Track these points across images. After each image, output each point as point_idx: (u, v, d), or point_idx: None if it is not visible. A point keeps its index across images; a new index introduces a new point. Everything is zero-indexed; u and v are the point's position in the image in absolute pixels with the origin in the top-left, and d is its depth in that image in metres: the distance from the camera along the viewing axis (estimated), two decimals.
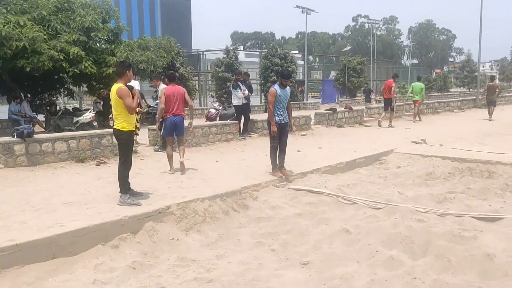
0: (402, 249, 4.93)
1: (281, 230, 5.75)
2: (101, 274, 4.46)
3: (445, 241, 4.85)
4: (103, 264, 4.64)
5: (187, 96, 8.12)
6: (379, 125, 16.02)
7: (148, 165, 8.66)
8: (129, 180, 6.13)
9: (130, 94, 5.81)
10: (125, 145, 5.98)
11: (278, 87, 7.42)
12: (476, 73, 43.88)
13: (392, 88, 16.28)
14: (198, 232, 5.71)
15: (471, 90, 49.74)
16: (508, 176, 7.86)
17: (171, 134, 8.01)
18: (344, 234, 5.45)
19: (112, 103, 5.87)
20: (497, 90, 20.17)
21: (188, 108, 8.33)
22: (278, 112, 7.48)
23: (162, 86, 9.75)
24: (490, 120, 18.40)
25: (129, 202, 5.76)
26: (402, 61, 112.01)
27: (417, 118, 18.08)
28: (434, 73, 69.10)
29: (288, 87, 7.60)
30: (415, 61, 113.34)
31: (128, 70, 5.95)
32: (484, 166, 8.71)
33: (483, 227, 5.11)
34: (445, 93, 44.89)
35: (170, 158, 7.98)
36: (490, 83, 20.65)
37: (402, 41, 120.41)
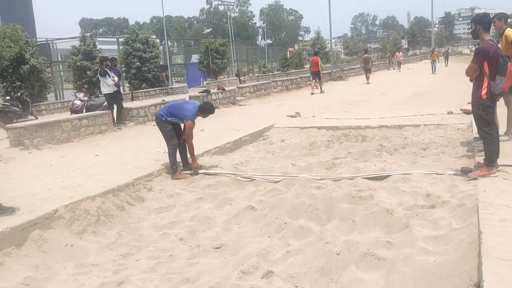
0: (308, 217, 5.06)
1: (185, 217, 5.49)
2: None
3: (346, 204, 5.10)
4: None
5: None
6: (312, 92, 19.39)
7: (16, 168, 7.58)
8: None
9: None
10: None
11: (194, 117, 6.74)
12: (326, 49, 47.58)
13: (319, 62, 20.34)
14: (94, 234, 5.16)
15: (323, 65, 53.72)
16: (380, 138, 8.64)
17: None
18: (250, 211, 5.42)
19: None
20: (370, 60, 26.63)
21: None
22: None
23: None
24: (368, 84, 23.63)
25: None
26: (258, 42, 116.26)
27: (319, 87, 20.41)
28: (288, 51, 73.04)
29: None
30: (269, 41, 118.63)
31: None
32: (356, 131, 9.45)
33: (375, 186, 5.49)
34: (301, 69, 47.84)
35: None
36: (365, 55, 26.64)
37: (255, 23, 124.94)
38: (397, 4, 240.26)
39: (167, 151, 6.93)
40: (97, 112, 11.49)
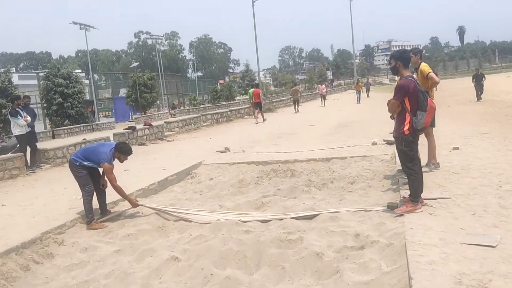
0: (236, 265, 4.72)
1: (100, 274, 4.92)
2: None
3: (275, 248, 4.84)
4: None
5: None
6: (256, 122, 20.77)
7: None
8: None
9: None
10: None
11: (112, 159, 6.28)
12: (256, 81, 48.35)
13: (260, 94, 22.43)
14: None
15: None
16: (308, 172, 8.57)
17: None
18: (173, 262, 4.98)
19: None
20: (299, 92, 30.15)
21: None
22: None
23: None
24: (297, 113, 25.97)
25: None
26: (188, 75, 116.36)
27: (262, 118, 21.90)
28: (219, 84, 73.53)
29: None
30: (199, 73, 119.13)
31: None
32: (285, 166, 9.34)
33: (304, 227, 5.29)
34: (232, 102, 48.18)
35: None
36: (294, 87, 30.10)
37: (185, 55, 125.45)
38: (321, 37, 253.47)
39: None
40: (8, 155, 10.48)
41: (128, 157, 6.56)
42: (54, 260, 5.35)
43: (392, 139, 6.78)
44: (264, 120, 21.47)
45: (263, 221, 5.72)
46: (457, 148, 8.64)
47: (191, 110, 36.16)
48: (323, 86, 36.12)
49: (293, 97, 28.39)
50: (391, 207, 5.32)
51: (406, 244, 4.09)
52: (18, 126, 10.68)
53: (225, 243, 5.10)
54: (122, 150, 6.32)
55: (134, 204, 6.54)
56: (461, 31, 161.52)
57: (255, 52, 32.33)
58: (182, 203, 7.12)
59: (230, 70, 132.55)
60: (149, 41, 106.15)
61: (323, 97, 33.14)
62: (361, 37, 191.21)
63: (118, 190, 6.34)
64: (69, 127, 24.39)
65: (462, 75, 72.49)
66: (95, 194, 6.38)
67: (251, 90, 22.83)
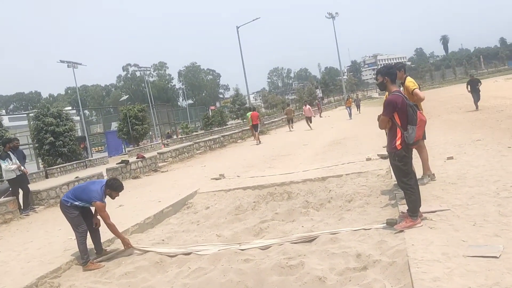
0: None
1: None
2: None
3: (276, 275, 4.73)
4: None
5: None
6: (257, 143, 21.59)
7: None
8: None
9: None
10: None
11: (103, 197, 6.16)
12: (246, 105, 48.59)
13: (259, 116, 23.92)
14: None
15: (244, 120, 54.66)
16: (305, 193, 8.49)
17: None
18: None
19: None
20: (293, 112, 32.03)
21: None
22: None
23: None
24: (291, 131, 27.66)
25: None
26: (179, 103, 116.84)
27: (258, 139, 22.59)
28: (210, 110, 73.80)
29: None
30: (190, 101, 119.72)
31: None
32: (281, 188, 9.26)
33: (305, 251, 5.19)
34: (224, 127, 48.27)
35: None
36: (288, 108, 33.17)
37: (174, 85, 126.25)
38: (307, 56, 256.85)
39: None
40: (0, 199, 10.33)
41: (122, 191, 6.46)
42: None
43: (386, 153, 6.74)
44: (258, 142, 21.85)
45: (263, 248, 5.61)
46: (451, 158, 8.62)
47: (184, 138, 36.15)
48: (308, 107, 29.47)
49: (288, 116, 30.48)
50: (390, 224, 5.24)
51: (409, 261, 4.01)
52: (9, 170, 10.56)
53: (225, 274, 4.98)
54: (113, 187, 6.22)
55: (126, 245, 6.32)
56: (444, 40, 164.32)
57: (244, 76, 32.84)
58: (179, 236, 7.00)
59: (220, 96, 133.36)
60: (138, 73, 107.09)
61: (308, 119, 27.69)
62: (347, 53, 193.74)
63: (112, 228, 6.21)
64: (62, 165, 24.21)
65: (450, 83, 73.34)
66: (89, 233, 6.26)
67: (248, 114, 24.27)
